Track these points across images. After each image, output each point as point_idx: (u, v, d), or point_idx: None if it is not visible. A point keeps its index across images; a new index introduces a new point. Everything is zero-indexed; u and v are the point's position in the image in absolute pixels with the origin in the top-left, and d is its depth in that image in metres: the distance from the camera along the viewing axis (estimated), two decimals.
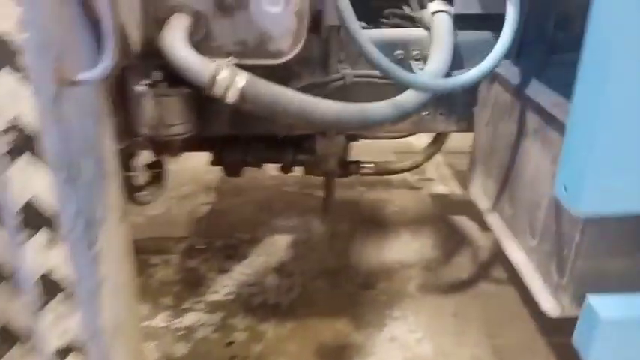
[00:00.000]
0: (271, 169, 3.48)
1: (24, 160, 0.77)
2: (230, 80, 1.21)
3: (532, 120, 1.45)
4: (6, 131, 0.75)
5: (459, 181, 3.28)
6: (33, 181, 0.78)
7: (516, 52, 1.66)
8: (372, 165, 2.12)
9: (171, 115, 1.58)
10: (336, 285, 2.44)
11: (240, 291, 2.40)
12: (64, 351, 0.91)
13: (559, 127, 1.28)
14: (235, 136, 1.96)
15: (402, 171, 2.23)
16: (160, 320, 2.23)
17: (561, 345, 2.04)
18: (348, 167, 2.09)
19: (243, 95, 1.23)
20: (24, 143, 0.76)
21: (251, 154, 2.03)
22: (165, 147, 1.79)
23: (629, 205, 0.84)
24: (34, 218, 0.80)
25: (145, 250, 2.66)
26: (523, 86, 1.53)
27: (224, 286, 2.43)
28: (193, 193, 3.20)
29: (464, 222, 2.89)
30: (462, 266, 2.56)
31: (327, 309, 2.29)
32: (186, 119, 1.62)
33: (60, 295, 0.85)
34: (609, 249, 1.08)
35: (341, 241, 2.76)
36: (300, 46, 1.38)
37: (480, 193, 1.83)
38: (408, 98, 1.36)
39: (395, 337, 2.15)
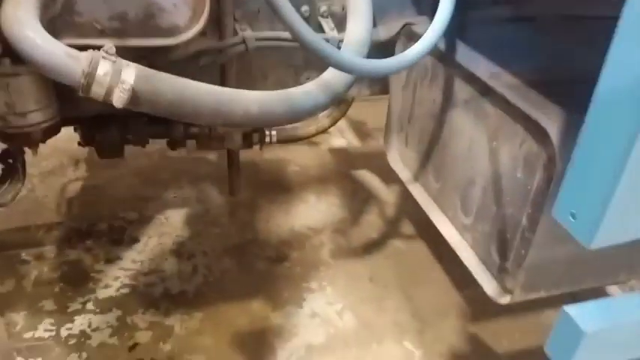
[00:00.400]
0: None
1: None
2: (114, 78, 0.89)
3: (462, 89, 1.32)
4: None
5: (355, 133, 3.18)
6: None
7: (432, 8, 1.50)
8: (274, 133, 1.90)
9: (23, 100, 1.21)
10: (245, 263, 2.25)
11: (135, 282, 2.11)
12: None
13: (498, 100, 1.17)
14: (108, 114, 1.60)
15: (309, 137, 2.04)
16: (43, 330, 1.90)
17: (474, 298, 2.09)
18: (251, 137, 1.84)
19: (135, 96, 0.92)
20: None
21: (132, 130, 1.70)
22: (21, 138, 1.41)
23: None
24: None
25: (11, 245, 2.24)
26: (446, 48, 1.39)
27: (116, 279, 2.12)
28: (60, 166, 2.74)
29: (367, 177, 2.82)
30: (371, 225, 2.50)
31: (238, 291, 2.11)
32: (45, 103, 1.26)
33: None
34: (559, 236, 1.02)
35: (243, 211, 2.54)
36: (203, 19, 1.07)
37: (398, 161, 1.71)
38: (336, 77, 1.15)
39: (315, 312, 2.05)
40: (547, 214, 1.00)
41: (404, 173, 1.67)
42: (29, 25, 0.91)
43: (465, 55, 1.31)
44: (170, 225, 2.43)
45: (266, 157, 2.92)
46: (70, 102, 1.31)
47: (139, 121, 1.65)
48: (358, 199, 2.66)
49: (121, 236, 2.34)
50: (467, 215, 1.34)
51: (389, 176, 2.80)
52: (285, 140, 1.98)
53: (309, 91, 1.12)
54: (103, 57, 0.91)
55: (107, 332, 1.91)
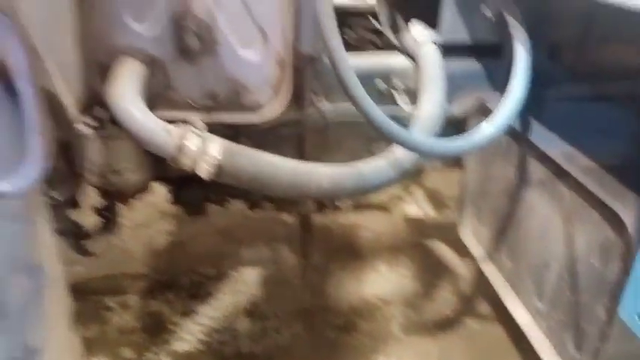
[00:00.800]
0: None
1: None
2: (201, 151, 1.00)
3: (536, 169, 1.31)
4: None
5: (430, 200, 3.15)
6: None
7: (506, 84, 1.52)
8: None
9: (121, 160, 1.36)
10: (314, 329, 2.26)
11: (209, 339, 2.18)
12: None
13: (573, 183, 1.15)
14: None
15: (380, 204, 2.06)
16: None
17: None
18: (324, 203, 1.90)
19: (219, 170, 1.02)
20: None
21: (213, 190, 1.82)
22: (116, 194, 1.56)
23: None
24: None
25: (98, 291, 2.41)
26: (521, 126, 1.39)
27: (191, 333, 2.21)
28: (149, 219, 2.94)
29: (441, 248, 2.76)
30: (444, 301, 2.43)
31: (306, 358, 2.11)
32: (140, 164, 1.40)
33: None
34: None
35: (315, 274, 2.58)
36: (286, 100, 1.17)
37: (472, 238, 1.69)
38: (406, 154, 1.19)
39: None
40: None
41: (476, 249, 1.64)
42: (131, 99, 1.04)
43: (540, 134, 1.30)
44: (245, 283, 2.50)
45: (340, 221, 2.96)
46: (159, 164, 1.45)
47: (220, 183, 1.77)
48: (431, 271, 2.61)
49: (199, 291, 2.44)
50: (541, 300, 1.28)
51: (464, 250, 2.73)
52: (357, 207, 2.02)
53: (379, 167, 1.16)
54: (193, 132, 1.01)
55: None
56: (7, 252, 0.70)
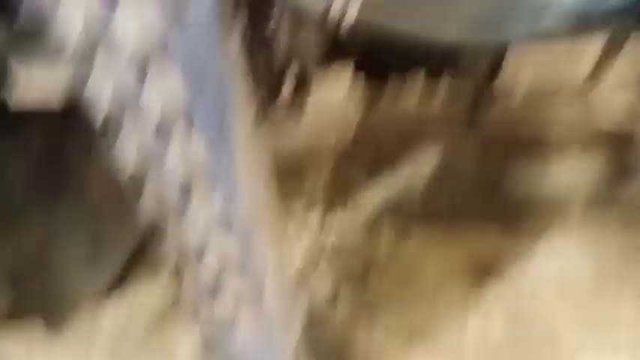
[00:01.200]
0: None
1: (156, 65, 0.83)
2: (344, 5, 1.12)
3: None
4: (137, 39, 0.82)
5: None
6: (167, 84, 0.84)
7: None
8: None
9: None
10: (491, 198, 2.32)
11: (388, 195, 2.42)
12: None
13: None
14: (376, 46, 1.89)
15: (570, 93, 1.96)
16: (312, 217, 2.34)
17: None
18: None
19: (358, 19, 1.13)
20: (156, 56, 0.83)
21: (396, 59, 1.95)
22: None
23: None
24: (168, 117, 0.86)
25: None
26: None
27: (373, 191, 2.46)
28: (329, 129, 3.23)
29: None
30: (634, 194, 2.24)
31: (479, 220, 2.19)
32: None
33: (199, 185, 0.92)
34: None
35: (496, 159, 2.59)
36: None
37: None
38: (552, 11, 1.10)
39: (553, 250, 1.99)
40: None
41: None
42: None
43: None
44: (427, 155, 2.63)
45: (529, 110, 2.88)
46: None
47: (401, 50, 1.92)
48: (623, 171, 2.40)
49: (382, 164, 2.66)
50: None
51: None
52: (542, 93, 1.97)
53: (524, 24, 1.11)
54: None
55: (359, 228, 2.25)
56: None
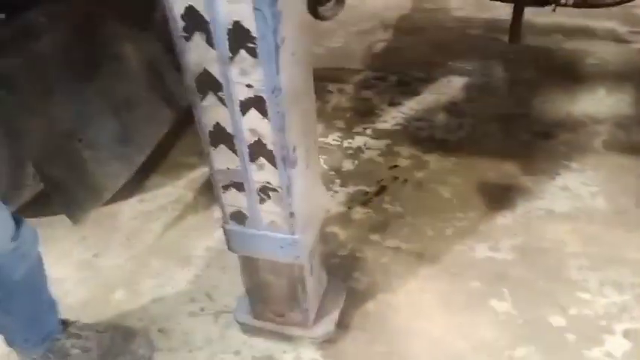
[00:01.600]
0: (455, 10, 3.31)
1: None
2: None
3: None
4: None
5: None
6: None
7: None
8: None
9: None
10: (510, 131, 2.30)
11: (408, 124, 2.41)
12: (247, 104, 1.01)
13: None
14: None
15: (606, 4, 1.89)
16: (331, 139, 2.37)
17: None
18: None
19: None
20: None
21: None
22: None
23: None
24: None
25: (322, 78, 2.77)
26: None
27: (393, 118, 2.46)
28: (372, 29, 3.18)
29: None
30: None
31: (495, 152, 2.19)
32: None
33: (245, 50, 0.92)
34: None
35: (523, 88, 2.55)
36: None
37: None
38: None
39: (567, 187, 2.00)
40: None
41: None
42: None
43: None
44: (450, 87, 2.62)
45: (564, 46, 2.80)
46: None
47: None
48: None
49: (407, 88, 2.65)
50: None
51: None
52: (583, 4, 1.90)
53: None
54: None
55: (376, 152, 2.27)
56: None
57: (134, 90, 2.03)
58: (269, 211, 1.18)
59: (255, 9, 0.87)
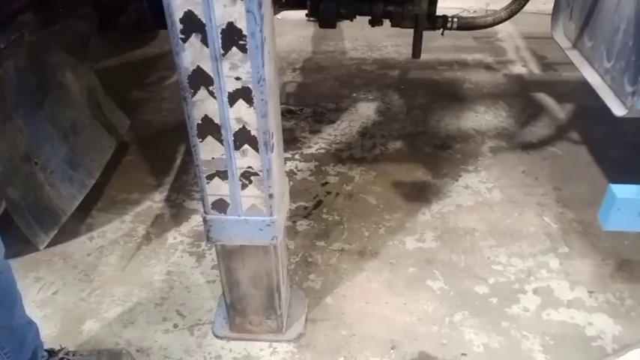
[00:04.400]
0: (350, 51, 3.75)
1: None
2: None
3: None
4: None
5: (537, 63, 3.38)
6: None
7: None
8: (456, 19, 2.31)
9: None
10: (415, 146, 2.70)
11: (330, 147, 2.71)
12: (235, 95, 1.21)
13: None
14: None
15: (486, 26, 2.38)
16: None
17: None
18: (435, 20, 2.28)
19: None
20: None
21: (344, 6, 2.26)
22: None
23: None
24: None
25: None
26: None
27: (316, 143, 2.74)
28: (281, 69, 3.49)
29: (540, 97, 3.04)
30: (534, 133, 2.75)
31: (406, 163, 2.57)
32: None
33: (236, 47, 1.14)
34: None
35: (419, 111, 2.99)
36: None
37: (562, 34, 2.01)
38: None
39: (468, 185, 2.41)
40: None
41: (565, 43, 1.95)
42: None
43: None
44: (359, 115, 2.99)
45: (446, 75, 3.32)
46: None
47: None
48: (527, 113, 2.92)
49: (322, 118, 2.97)
50: (609, 60, 1.59)
51: (563, 98, 3.00)
52: (465, 26, 2.36)
53: None
54: None
55: (307, 173, 2.52)
56: None
57: (78, 116, 2.11)
58: (250, 195, 1.34)
59: (247, 11, 1.09)
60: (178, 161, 2.61)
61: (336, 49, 3.78)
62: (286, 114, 2.99)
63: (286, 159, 2.62)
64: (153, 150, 2.68)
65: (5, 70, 1.71)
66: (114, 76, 3.20)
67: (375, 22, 2.32)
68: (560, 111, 2.91)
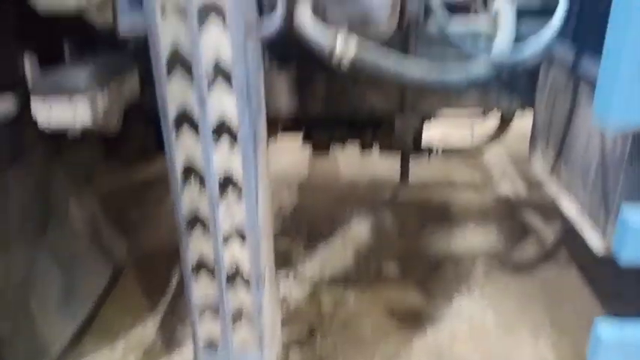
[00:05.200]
0: (345, 170, 3.89)
1: (219, 85, 1.16)
2: (345, 42, 1.56)
3: (585, 90, 1.73)
4: (211, 63, 1.14)
5: (524, 182, 3.52)
6: (224, 99, 1.16)
7: (573, 35, 1.89)
8: (441, 146, 2.47)
9: (278, 93, 1.99)
10: (409, 268, 2.72)
11: (323, 270, 2.73)
12: (230, 235, 1.27)
13: None
14: (323, 118, 2.35)
15: (468, 151, 2.54)
16: None
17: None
18: (421, 146, 2.43)
19: (355, 53, 1.58)
20: (221, 73, 1.16)
21: (337, 132, 2.41)
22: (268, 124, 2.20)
23: None
24: (221, 128, 1.18)
25: None
26: (578, 63, 1.81)
27: (310, 266, 2.76)
28: (276, 190, 3.60)
29: (529, 216, 3.13)
30: (525, 254, 2.79)
31: (400, 284, 2.58)
32: (289, 98, 2.02)
33: (232, 189, 1.22)
34: None
35: (411, 231, 3.05)
36: (394, 27, 1.76)
37: (540, 163, 2.12)
38: (477, 68, 1.70)
39: (462, 308, 2.40)
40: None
41: (543, 171, 2.05)
42: (308, 18, 1.59)
43: (588, 63, 1.69)
44: (353, 235, 3.03)
45: (436, 194, 3.43)
46: (301, 102, 2.06)
47: (342, 126, 2.37)
48: (516, 234, 2.98)
49: (317, 239, 3.01)
50: (585, 191, 1.67)
51: (550, 217, 3.08)
52: (449, 152, 2.51)
53: (455, 70, 1.65)
54: (340, 33, 1.56)
55: (301, 298, 2.51)
56: (256, 71, 1.29)
57: (78, 245, 2.15)
58: (241, 333, 1.36)
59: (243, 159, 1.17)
60: (174, 283, 2.61)
61: (331, 168, 3.93)
62: (281, 236, 3.04)
63: (280, 283, 2.63)
64: (149, 272, 2.69)
65: (12, 199, 1.78)
66: (115, 195, 3.30)
67: (365, 148, 2.47)
68: (549, 231, 2.97)
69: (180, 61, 1.14)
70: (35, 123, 1.62)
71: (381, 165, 3.92)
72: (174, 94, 1.15)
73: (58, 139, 2.09)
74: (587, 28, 1.78)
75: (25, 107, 1.66)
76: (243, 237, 1.27)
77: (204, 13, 1.11)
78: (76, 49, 1.80)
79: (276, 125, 2.23)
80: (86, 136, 2.34)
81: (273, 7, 1.50)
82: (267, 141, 2.35)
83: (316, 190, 3.60)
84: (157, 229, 3.11)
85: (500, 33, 1.85)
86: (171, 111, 1.16)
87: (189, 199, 1.24)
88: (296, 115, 2.15)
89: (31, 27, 1.69)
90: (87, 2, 1.44)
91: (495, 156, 4.01)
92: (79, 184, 2.28)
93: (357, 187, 3.64)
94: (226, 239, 1.28)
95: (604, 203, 1.56)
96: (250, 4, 1.19)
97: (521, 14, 1.95)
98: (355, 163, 3.99)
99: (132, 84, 1.89)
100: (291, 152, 4.13)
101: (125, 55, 1.84)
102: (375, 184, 3.66)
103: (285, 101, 2.05)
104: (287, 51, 1.95)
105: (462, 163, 3.89)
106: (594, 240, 1.59)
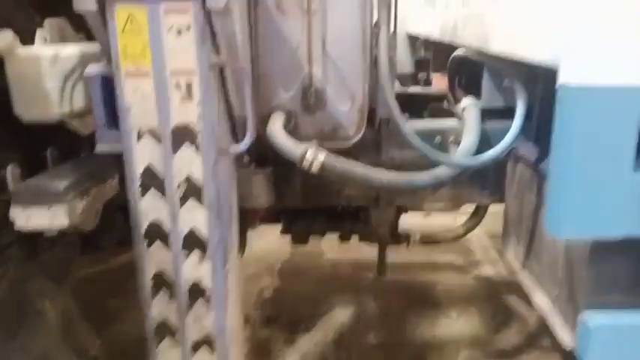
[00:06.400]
0: (327, 253, 3.90)
1: (190, 202, 1.21)
2: (314, 156, 1.65)
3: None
4: (183, 182, 1.19)
5: (505, 264, 3.54)
6: (195, 214, 1.20)
7: (535, 135, 1.96)
8: (418, 236, 2.50)
9: (257, 189, 2.05)
10: (390, 357, 2.68)
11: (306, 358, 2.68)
12: (199, 344, 1.27)
13: None
14: (302, 209, 2.39)
15: (446, 240, 2.57)
16: None
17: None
18: (399, 236, 2.46)
19: (323, 167, 1.66)
20: (192, 191, 1.21)
21: (315, 224, 2.45)
22: (248, 216, 2.22)
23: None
24: (191, 242, 1.21)
25: None
26: (540, 161, 1.89)
27: (290, 357, 2.71)
28: (258, 273, 3.58)
29: (510, 300, 3.12)
30: (508, 341, 2.77)
31: None
32: (268, 193, 2.08)
33: (201, 300, 1.24)
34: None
35: (393, 317, 3.03)
36: (361, 133, 1.85)
37: (513, 256, 2.14)
38: (442, 171, 1.78)
39: None
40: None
41: (516, 263, 2.08)
42: (280, 131, 1.70)
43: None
44: (334, 321, 3.01)
45: (418, 278, 3.43)
46: (280, 195, 2.12)
47: (321, 217, 2.41)
48: (498, 318, 2.96)
49: (297, 326, 2.97)
50: (555, 287, 1.70)
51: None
52: (427, 241, 2.54)
53: (422, 175, 1.73)
54: (310, 147, 1.65)
55: None
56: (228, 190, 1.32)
57: (50, 344, 2.09)
58: None
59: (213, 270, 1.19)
60: None
61: (313, 250, 3.93)
62: (261, 324, 2.99)
63: None
64: None
65: None
66: (92, 284, 3.26)
67: (343, 238, 2.50)
68: (530, 315, 2.96)
69: (153, 179, 1.19)
70: (12, 224, 1.64)
71: (364, 246, 3.96)
72: (146, 208, 1.19)
73: (34, 238, 2.10)
74: (547, 129, 1.88)
75: (3, 209, 1.68)
76: (211, 346, 1.27)
77: (178, 137, 1.18)
78: (59, 155, 1.85)
79: (254, 217, 2.27)
80: (63, 234, 2.36)
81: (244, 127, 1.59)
82: (245, 235, 2.44)
83: (298, 273, 3.59)
84: (134, 320, 3.05)
85: (465, 136, 1.94)
86: (143, 223, 1.20)
87: (158, 308, 1.25)
88: (274, 207, 2.20)
89: (15, 137, 1.75)
90: (69, 112, 1.51)
91: (475, 236, 4.05)
92: (55, 281, 2.25)
93: (340, 268, 3.63)
94: (195, 348, 1.27)
95: (572, 300, 1.58)
96: (222, 126, 1.26)
97: (485, 114, 2.06)
98: (337, 244, 4.01)
99: (113, 185, 1.93)
100: (273, 233, 4.15)
101: (107, 159, 1.89)
102: (357, 264, 3.66)
103: (264, 194, 2.10)
104: (264, 150, 2.03)
105: (444, 244, 3.91)
106: (564, 335, 1.60)
